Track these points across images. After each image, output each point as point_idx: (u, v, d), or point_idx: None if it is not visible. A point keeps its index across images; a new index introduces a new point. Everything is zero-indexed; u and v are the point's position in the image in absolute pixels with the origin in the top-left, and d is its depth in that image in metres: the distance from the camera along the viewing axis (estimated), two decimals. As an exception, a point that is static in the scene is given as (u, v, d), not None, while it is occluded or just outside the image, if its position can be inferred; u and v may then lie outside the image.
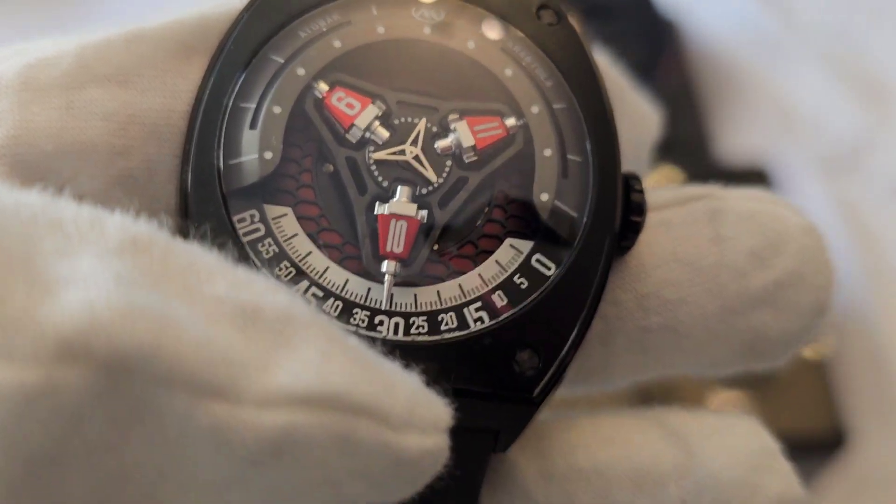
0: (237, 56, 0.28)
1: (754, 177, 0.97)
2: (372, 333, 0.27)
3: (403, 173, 0.28)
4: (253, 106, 0.28)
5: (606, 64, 0.33)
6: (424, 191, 0.28)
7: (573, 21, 0.31)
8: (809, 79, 1.19)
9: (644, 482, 0.29)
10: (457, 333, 0.27)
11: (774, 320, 0.31)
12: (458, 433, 0.26)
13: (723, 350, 0.31)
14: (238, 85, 0.28)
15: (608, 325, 0.29)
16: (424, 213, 0.28)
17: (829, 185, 1.11)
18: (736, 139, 1.14)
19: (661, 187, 0.31)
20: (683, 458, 0.29)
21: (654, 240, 0.30)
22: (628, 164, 0.31)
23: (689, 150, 1.12)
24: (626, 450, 0.29)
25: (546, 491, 0.29)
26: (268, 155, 0.28)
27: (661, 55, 1.09)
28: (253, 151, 0.27)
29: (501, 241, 0.28)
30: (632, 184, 0.29)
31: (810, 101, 1.17)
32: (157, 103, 0.28)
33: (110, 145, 0.27)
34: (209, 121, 0.27)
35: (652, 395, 0.84)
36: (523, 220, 0.28)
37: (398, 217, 0.27)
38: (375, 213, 0.28)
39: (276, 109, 0.28)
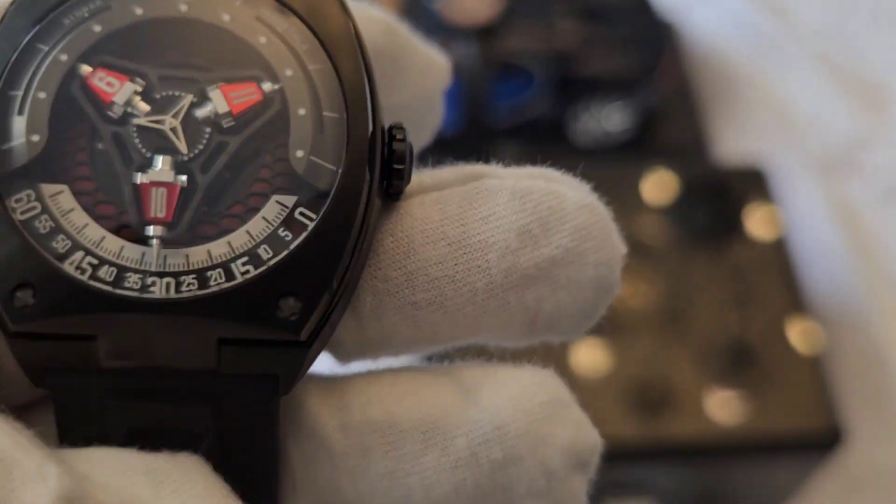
0: (4, 49, 0.30)
1: (752, 178, 0.98)
2: (142, 295, 0.28)
3: (165, 143, 0.30)
4: (20, 93, 0.29)
5: (384, 18, 0.34)
6: (186, 158, 0.30)
7: None
8: (806, 81, 1.20)
9: (433, 434, 0.30)
10: (224, 285, 0.28)
11: (551, 296, 0.31)
12: (235, 380, 0.29)
13: (501, 325, 0.31)
14: (4, 75, 0.29)
15: (379, 300, 0.30)
16: (184, 177, 0.29)
17: (825, 186, 1.12)
18: (733, 141, 1.14)
19: (446, 168, 0.32)
20: (472, 411, 0.30)
21: (427, 217, 0.31)
22: (418, 114, 0.33)
23: (687, 152, 1.13)
24: (418, 403, 0.30)
25: (344, 443, 0.30)
26: (35, 137, 0.29)
27: (659, 58, 1.10)
28: (21, 136, 0.29)
29: (268, 199, 0.30)
30: (394, 133, 0.31)
31: (807, 103, 1.18)
32: None
33: None
34: None
35: (650, 395, 0.85)
36: (287, 176, 0.30)
37: (157, 184, 0.29)
38: (136, 181, 0.29)
39: (41, 94, 0.30)
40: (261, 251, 0.29)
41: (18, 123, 0.29)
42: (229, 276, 0.29)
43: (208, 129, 0.30)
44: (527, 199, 0.31)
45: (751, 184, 0.98)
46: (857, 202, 1.11)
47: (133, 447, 0.28)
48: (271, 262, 0.29)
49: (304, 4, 0.32)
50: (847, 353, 1.00)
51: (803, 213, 1.08)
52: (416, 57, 0.35)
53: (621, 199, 0.93)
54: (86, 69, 0.30)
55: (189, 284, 0.28)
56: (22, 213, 0.28)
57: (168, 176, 0.29)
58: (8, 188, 0.28)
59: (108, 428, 0.29)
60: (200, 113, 0.30)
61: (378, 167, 0.30)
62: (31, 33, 0.30)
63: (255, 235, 0.29)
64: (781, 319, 0.90)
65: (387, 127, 0.31)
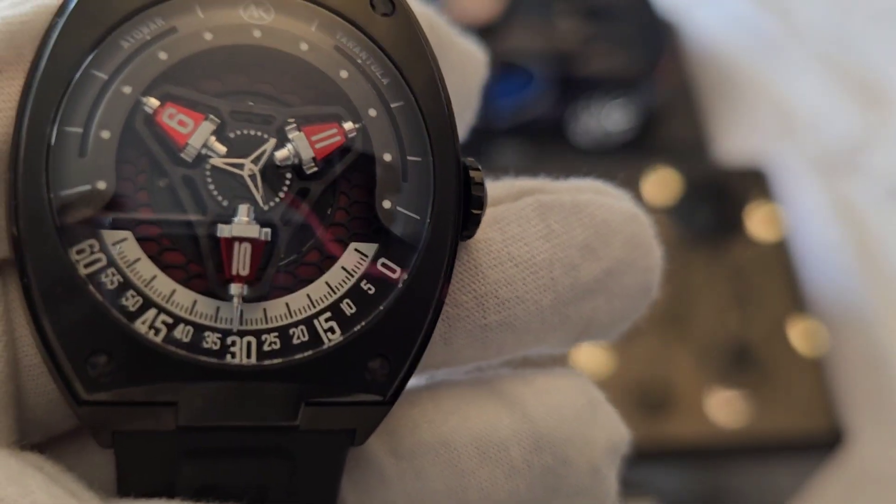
0: (56, 73, 0.26)
1: (753, 178, 0.98)
2: (224, 360, 0.26)
3: (242, 191, 0.27)
4: (80, 131, 0.26)
5: (425, 13, 0.32)
6: (266, 207, 0.27)
7: (408, 7, 0.30)
8: (807, 80, 1.19)
9: (487, 448, 0.30)
10: (309, 352, 0.27)
11: (606, 306, 0.32)
12: (314, 436, 0.28)
13: (558, 337, 0.32)
14: (62, 108, 0.26)
15: (450, 325, 0.30)
16: (268, 230, 0.27)
17: (826, 185, 1.12)
18: (734, 141, 1.14)
19: (494, 181, 0.32)
20: (520, 421, 0.30)
21: (489, 238, 0.31)
22: (458, 109, 0.32)
23: (688, 152, 1.13)
24: (465, 420, 0.30)
25: (398, 468, 0.30)
26: (101, 185, 0.26)
27: (660, 57, 1.09)
28: (85, 182, 0.26)
29: (346, 246, 0.28)
30: (472, 176, 0.29)
31: (808, 103, 1.18)
32: None
33: None
34: (33, 150, 0.26)
35: (651, 396, 0.85)
36: (366, 221, 0.28)
37: (241, 240, 0.27)
38: (218, 235, 0.27)
39: (105, 134, 0.27)
40: (343, 306, 0.27)
41: (81, 167, 0.26)
42: (314, 338, 0.27)
43: (289, 176, 0.28)
44: (582, 213, 0.31)
45: (752, 184, 0.97)
46: (859, 202, 1.11)
47: (201, 502, 0.27)
48: (360, 325, 0.27)
49: (381, 29, 0.29)
50: (848, 353, 1.00)
51: (804, 213, 1.08)
52: (455, 51, 0.34)
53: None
54: (153, 103, 0.27)
55: (271, 344, 0.27)
56: (86, 265, 0.26)
57: (253, 231, 0.27)
58: (69, 238, 0.26)
59: (178, 484, 0.27)
60: (281, 155, 0.28)
61: (461, 214, 0.29)
62: (88, 59, 0.27)
63: (335, 287, 0.27)
64: (782, 320, 0.90)
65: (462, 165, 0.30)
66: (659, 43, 1.10)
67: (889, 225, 1.10)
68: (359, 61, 0.29)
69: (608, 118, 1.09)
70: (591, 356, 0.86)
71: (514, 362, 0.32)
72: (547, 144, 1.09)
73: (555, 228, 0.31)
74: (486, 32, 1.02)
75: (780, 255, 0.93)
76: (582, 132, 1.11)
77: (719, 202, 0.96)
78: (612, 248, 0.31)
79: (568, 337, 0.32)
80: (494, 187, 0.32)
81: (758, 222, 0.95)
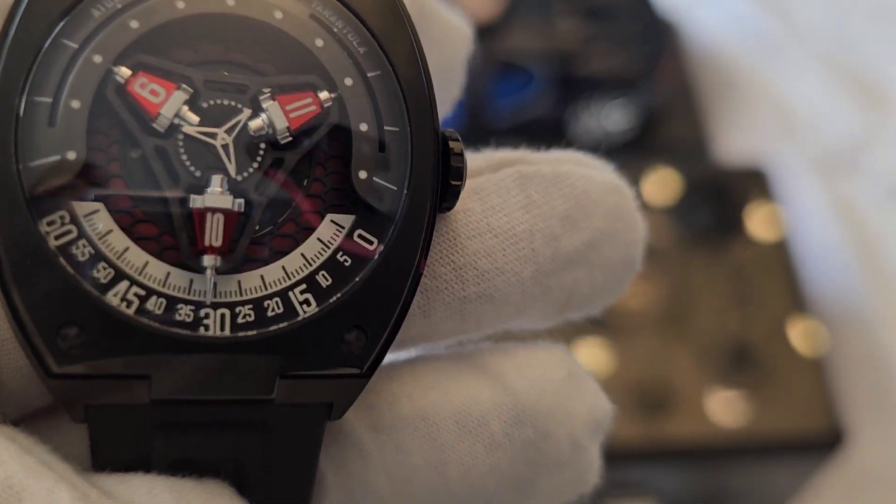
0: (24, 43, 0.26)
1: (753, 178, 0.98)
2: (198, 332, 0.26)
3: (215, 161, 0.27)
4: (49, 100, 0.26)
5: None
6: (240, 177, 0.27)
7: None
8: (807, 80, 1.19)
9: (467, 421, 0.30)
10: (284, 324, 0.26)
11: (588, 277, 0.31)
12: (291, 409, 0.27)
13: (539, 309, 0.32)
14: (31, 77, 0.26)
15: (428, 297, 0.30)
16: (241, 201, 0.27)
17: (826, 185, 1.12)
18: (734, 140, 1.14)
19: (474, 153, 0.32)
20: (501, 395, 0.30)
21: (468, 209, 0.30)
22: (440, 83, 0.31)
23: (688, 152, 1.13)
24: (445, 394, 0.30)
25: (377, 442, 0.30)
26: (71, 155, 0.26)
27: (660, 57, 1.09)
28: (55, 152, 0.26)
29: (322, 217, 0.28)
30: (451, 147, 0.29)
31: (808, 103, 1.18)
32: None
33: None
34: (1, 120, 0.25)
35: (651, 396, 0.85)
36: (342, 192, 0.28)
37: (214, 210, 0.26)
38: (190, 206, 0.26)
39: (75, 104, 0.26)
40: (319, 278, 0.27)
41: (50, 137, 0.26)
42: (289, 310, 0.27)
43: (263, 146, 0.27)
44: (563, 184, 0.31)
45: (752, 184, 0.97)
46: (859, 202, 1.11)
47: (175, 475, 0.27)
48: (335, 297, 0.27)
49: None
50: (848, 353, 1.00)
51: (805, 213, 1.08)
52: (439, 25, 0.34)
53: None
54: (125, 73, 0.27)
55: (245, 316, 0.26)
56: (57, 237, 0.25)
57: (226, 201, 0.26)
58: (40, 209, 0.25)
59: (153, 458, 0.27)
60: (255, 125, 0.27)
61: (439, 185, 0.29)
62: (58, 27, 0.26)
63: (311, 258, 0.27)
64: (782, 320, 0.90)
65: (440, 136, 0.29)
66: (659, 43, 1.10)
67: (889, 225, 1.10)
68: (335, 30, 0.29)
69: (608, 118, 1.09)
70: (591, 355, 0.86)
71: (495, 336, 0.32)
72: (547, 144, 1.09)
73: (535, 199, 0.31)
74: (486, 32, 1.02)
75: (780, 255, 0.93)
76: (582, 132, 1.11)
77: (719, 202, 0.96)
78: (593, 219, 0.31)
79: (549, 309, 0.32)
80: (474, 158, 0.32)
81: (758, 222, 0.95)
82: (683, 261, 0.92)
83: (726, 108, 1.17)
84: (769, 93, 1.19)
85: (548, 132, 1.09)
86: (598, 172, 0.32)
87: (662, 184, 0.97)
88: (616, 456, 0.82)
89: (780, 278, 0.92)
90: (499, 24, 1.03)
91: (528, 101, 1.08)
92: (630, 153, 1.11)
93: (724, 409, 0.85)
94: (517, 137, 1.19)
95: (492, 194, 0.31)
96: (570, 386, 0.31)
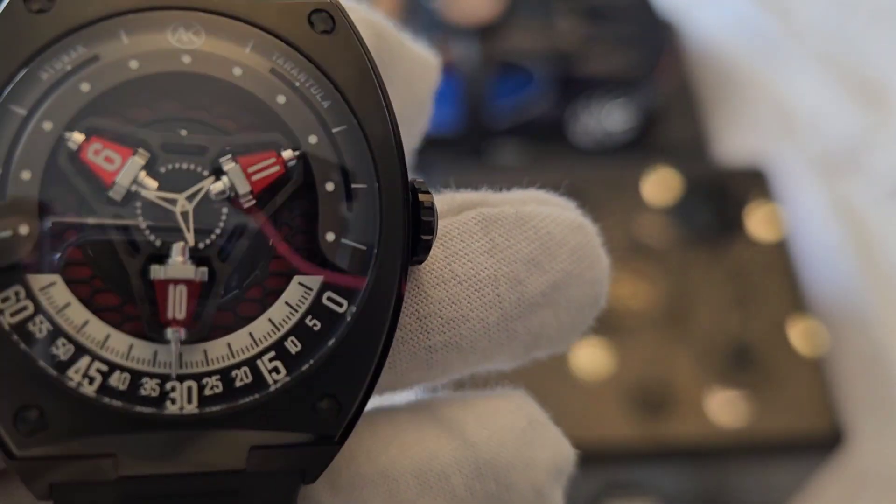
0: None
1: (753, 178, 0.98)
2: (164, 411, 0.25)
3: (175, 228, 0.26)
4: None
5: (373, 20, 0.31)
6: (202, 244, 0.26)
7: (349, 23, 0.28)
8: (807, 80, 1.19)
9: (427, 477, 0.29)
10: (253, 396, 0.25)
11: (554, 319, 0.31)
12: (263, 477, 0.26)
13: (505, 354, 0.31)
14: None
15: (393, 348, 0.29)
16: (204, 270, 0.25)
17: (826, 185, 1.11)
18: (734, 140, 1.14)
19: (435, 195, 0.30)
20: (461, 448, 0.30)
21: (432, 256, 0.29)
22: (408, 118, 0.30)
23: (688, 152, 1.13)
24: (405, 449, 0.29)
25: (337, 501, 0.29)
26: (23, 230, 0.24)
27: (659, 57, 1.09)
28: (5, 227, 0.24)
29: (289, 280, 0.26)
30: (421, 200, 0.28)
31: (808, 103, 1.18)
32: None
33: None
34: None
35: (651, 396, 0.85)
36: (309, 252, 0.27)
37: (176, 281, 0.25)
38: (151, 277, 0.25)
39: (26, 175, 0.25)
40: (288, 344, 0.26)
41: (1, 212, 0.24)
42: (259, 380, 0.25)
43: (225, 211, 0.26)
44: (527, 226, 0.30)
45: (752, 184, 0.97)
46: (859, 202, 1.11)
47: None
48: (306, 365, 0.26)
49: (321, 49, 0.28)
50: (848, 353, 1.00)
51: (805, 213, 1.08)
52: (406, 59, 0.33)
53: (622, 199, 0.93)
54: (77, 138, 0.25)
55: (213, 388, 0.25)
56: (12, 314, 0.24)
57: (187, 272, 0.25)
58: None
59: None
60: (215, 189, 0.26)
61: (410, 241, 0.28)
62: (4, 92, 0.25)
63: (279, 323, 0.26)
64: (783, 320, 0.90)
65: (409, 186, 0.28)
66: (659, 43, 1.10)
67: (889, 225, 1.09)
68: (297, 84, 0.27)
69: (608, 118, 1.09)
70: (590, 356, 0.86)
71: (455, 381, 0.32)
72: (547, 144, 1.09)
73: (499, 242, 0.30)
74: (485, 32, 1.02)
75: (780, 255, 0.93)
76: (582, 132, 1.11)
77: (719, 202, 0.96)
78: (557, 261, 0.30)
79: (515, 353, 0.31)
80: (436, 201, 0.31)
81: (758, 222, 0.95)
82: (683, 261, 0.92)
83: (726, 108, 1.17)
84: (769, 93, 1.19)
85: (548, 132, 1.09)
86: (561, 211, 0.31)
87: (662, 184, 0.97)
88: (616, 456, 0.82)
89: (780, 278, 0.92)
90: (499, 24, 1.03)
91: (528, 101, 1.07)
92: (630, 153, 1.11)
93: (724, 409, 0.85)
94: (517, 137, 1.19)
95: (454, 239, 0.30)
96: (530, 434, 0.30)
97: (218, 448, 0.26)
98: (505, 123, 1.07)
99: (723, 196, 0.97)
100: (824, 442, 0.85)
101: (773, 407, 0.85)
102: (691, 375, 0.86)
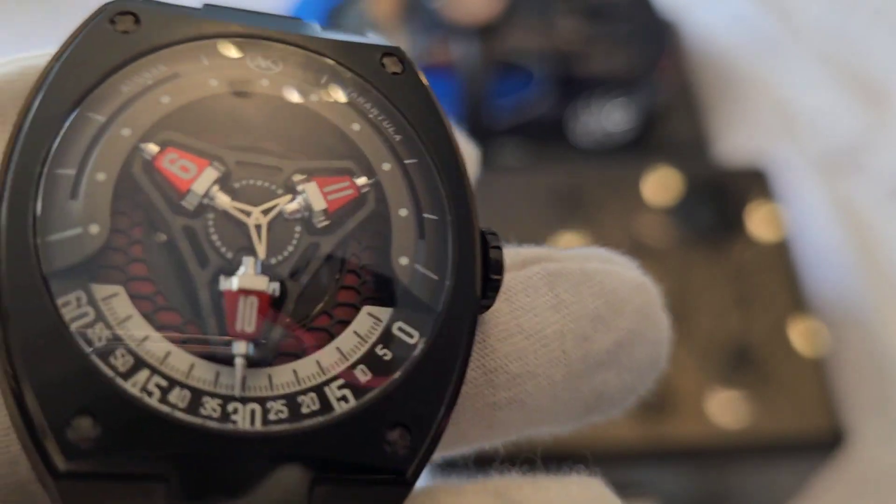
0: (49, 115, 0.25)
1: (754, 178, 0.97)
2: (225, 426, 0.23)
3: (247, 242, 0.25)
4: (73, 172, 0.24)
5: None
6: (273, 260, 0.25)
7: (417, 69, 0.29)
8: (808, 80, 1.19)
9: None
10: (319, 419, 0.24)
11: (616, 379, 0.30)
12: None
13: (567, 414, 0.30)
14: (53, 149, 0.24)
15: (459, 404, 0.27)
16: (276, 285, 0.25)
17: (827, 185, 1.11)
18: (735, 140, 1.14)
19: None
20: None
21: (496, 309, 0.28)
22: None
23: (689, 152, 1.12)
24: None
25: None
26: (94, 229, 0.24)
27: (660, 56, 1.09)
28: (76, 225, 0.24)
29: (358, 310, 0.26)
30: (489, 240, 0.28)
31: (809, 102, 1.18)
32: None
33: None
34: (19, 192, 0.24)
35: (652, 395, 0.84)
36: (379, 285, 0.26)
37: (247, 292, 0.24)
38: (221, 288, 0.25)
39: (100, 176, 0.25)
40: (357, 373, 0.25)
41: (72, 210, 0.24)
42: (325, 405, 0.24)
43: (298, 229, 0.26)
44: (592, 282, 0.30)
45: (753, 183, 0.97)
46: (861, 202, 1.11)
47: None
48: (374, 392, 0.25)
49: (392, 87, 0.28)
50: (849, 353, 1.00)
51: (806, 213, 1.07)
52: None
53: (622, 198, 0.93)
54: (152, 148, 0.25)
55: (278, 412, 0.24)
56: (72, 319, 0.23)
57: (260, 283, 0.25)
58: (56, 287, 0.23)
59: None
60: (290, 207, 0.26)
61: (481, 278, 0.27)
62: (84, 100, 0.25)
63: (348, 353, 0.25)
64: (784, 320, 0.90)
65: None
66: (659, 42, 1.10)
67: (891, 225, 1.09)
68: (370, 116, 0.28)
69: (608, 118, 1.09)
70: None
71: (522, 468, 0.30)
72: (547, 144, 1.09)
73: (564, 298, 0.29)
74: (485, 31, 1.01)
75: (780, 255, 0.93)
76: (582, 132, 1.10)
77: (720, 202, 0.96)
78: (622, 319, 0.30)
79: (576, 413, 0.30)
80: None
81: (759, 222, 0.95)
82: (683, 261, 0.92)
83: (727, 108, 1.17)
84: (770, 92, 1.19)
85: (548, 132, 1.09)
86: (624, 270, 0.31)
87: (662, 184, 0.97)
88: (616, 456, 0.81)
89: (780, 278, 0.92)
90: (499, 24, 1.03)
91: (528, 100, 1.07)
92: (630, 153, 1.11)
93: (725, 409, 0.85)
94: (517, 137, 1.19)
95: (520, 294, 0.29)
96: None
97: (279, 479, 0.24)
98: (505, 123, 1.07)
99: (723, 196, 0.96)
100: (825, 442, 0.84)
101: (774, 407, 0.85)
102: (692, 376, 0.86)
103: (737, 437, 0.84)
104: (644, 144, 1.12)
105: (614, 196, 0.93)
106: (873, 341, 1.02)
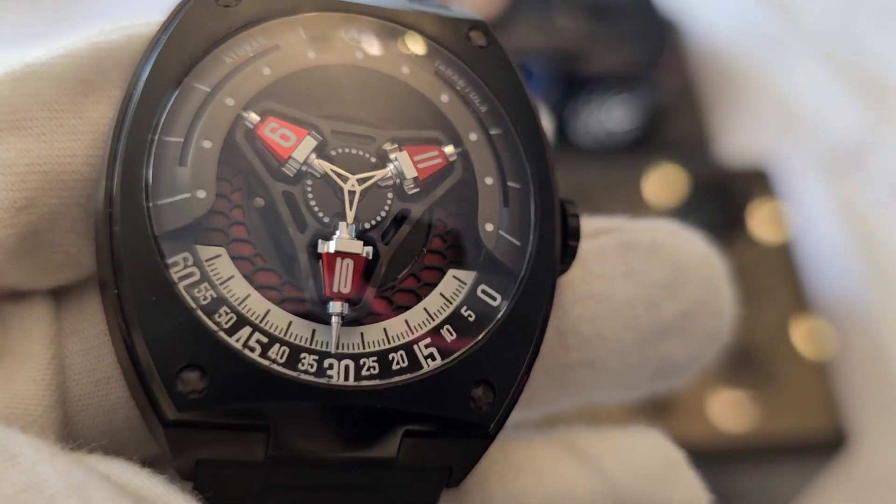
0: (157, 85, 0.26)
1: (756, 178, 0.97)
2: (322, 380, 0.25)
3: (342, 207, 0.27)
4: (181, 140, 0.26)
5: None
6: (367, 224, 0.27)
7: (501, 42, 0.30)
8: (811, 79, 1.19)
9: None
10: (408, 375, 0.26)
11: (682, 347, 0.31)
12: (410, 473, 0.26)
13: (634, 379, 0.31)
14: (163, 118, 0.26)
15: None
16: (370, 249, 0.26)
17: (830, 184, 1.11)
18: (737, 139, 1.14)
19: None
20: (596, 480, 0.29)
21: (570, 275, 0.30)
22: None
23: (691, 151, 1.12)
24: (538, 477, 0.29)
25: None
26: (201, 194, 0.26)
27: (661, 55, 1.09)
28: (185, 190, 0.26)
29: (444, 273, 0.27)
30: (567, 208, 0.29)
31: (811, 101, 1.17)
32: (57, 148, 0.26)
33: (11, 200, 0.26)
34: (131, 159, 0.25)
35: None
36: (463, 249, 0.28)
37: (344, 255, 0.26)
38: (319, 251, 0.26)
39: (206, 144, 0.26)
40: (444, 332, 0.27)
41: (181, 175, 0.26)
42: (414, 362, 0.26)
43: (390, 195, 0.27)
44: (661, 252, 0.31)
45: (755, 183, 0.97)
46: (863, 201, 1.10)
47: None
48: (461, 352, 0.26)
49: (478, 60, 0.29)
50: (852, 354, 0.99)
51: (808, 213, 1.07)
52: None
53: (624, 197, 0.93)
54: (254, 117, 0.27)
55: (370, 368, 0.26)
56: (180, 279, 0.25)
57: (355, 246, 0.26)
58: (165, 248, 0.25)
59: None
60: (383, 174, 0.27)
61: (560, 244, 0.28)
62: (191, 70, 0.27)
63: (434, 313, 0.27)
64: (786, 320, 0.89)
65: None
66: (661, 41, 1.10)
67: (894, 224, 1.09)
68: (458, 87, 0.29)
69: (610, 116, 1.09)
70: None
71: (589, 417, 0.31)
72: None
73: (635, 266, 0.30)
74: (487, 30, 1.01)
75: (783, 256, 0.93)
76: (584, 131, 1.10)
77: (722, 201, 0.96)
78: (690, 289, 0.31)
79: (643, 379, 0.31)
80: None
81: (761, 222, 0.95)
82: (686, 261, 0.91)
83: (729, 107, 1.17)
84: (773, 91, 1.18)
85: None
86: (692, 242, 0.32)
87: (665, 183, 0.96)
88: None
89: (783, 278, 0.91)
90: (500, 22, 1.02)
91: (529, 99, 1.07)
92: (632, 152, 1.10)
93: (727, 410, 0.84)
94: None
95: (592, 261, 0.30)
96: (667, 474, 0.31)
97: (371, 430, 0.26)
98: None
99: (726, 195, 0.96)
100: (828, 444, 0.84)
101: (777, 408, 0.85)
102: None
103: (739, 438, 0.83)
104: (646, 143, 1.11)
105: (616, 195, 0.92)
106: (877, 342, 1.02)
